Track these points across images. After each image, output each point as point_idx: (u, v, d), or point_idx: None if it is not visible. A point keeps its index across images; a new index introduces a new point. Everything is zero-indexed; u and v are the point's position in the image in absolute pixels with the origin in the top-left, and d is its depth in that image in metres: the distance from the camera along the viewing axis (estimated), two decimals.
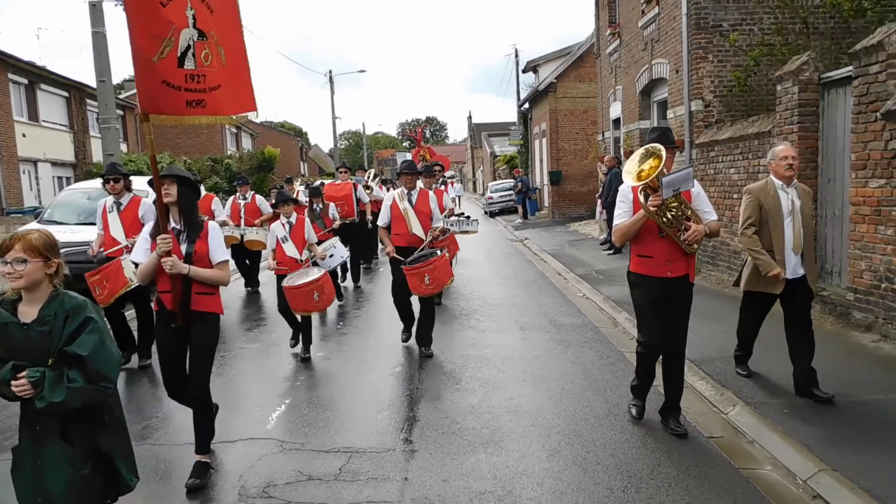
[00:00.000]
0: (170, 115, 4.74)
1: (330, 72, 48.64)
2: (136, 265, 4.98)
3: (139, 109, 4.72)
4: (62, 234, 11.45)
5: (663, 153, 4.82)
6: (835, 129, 8.32)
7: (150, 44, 4.52)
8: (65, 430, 3.04)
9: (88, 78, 49.30)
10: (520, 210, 29.41)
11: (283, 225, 8.16)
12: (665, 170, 4.85)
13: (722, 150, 11.12)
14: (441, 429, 5.69)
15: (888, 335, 7.10)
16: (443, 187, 12.65)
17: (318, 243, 9.69)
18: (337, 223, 11.42)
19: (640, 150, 5.02)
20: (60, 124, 27.67)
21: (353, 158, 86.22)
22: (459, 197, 44.58)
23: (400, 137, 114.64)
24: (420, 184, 8.71)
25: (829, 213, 8.52)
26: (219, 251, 4.87)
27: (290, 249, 8.07)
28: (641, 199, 4.99)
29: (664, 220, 4.96)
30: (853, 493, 4.14)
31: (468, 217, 12.09)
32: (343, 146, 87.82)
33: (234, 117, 5.04)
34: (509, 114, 40.14)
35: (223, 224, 11.23)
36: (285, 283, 7.65)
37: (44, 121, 26.30)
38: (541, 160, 31.23)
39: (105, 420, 3.17)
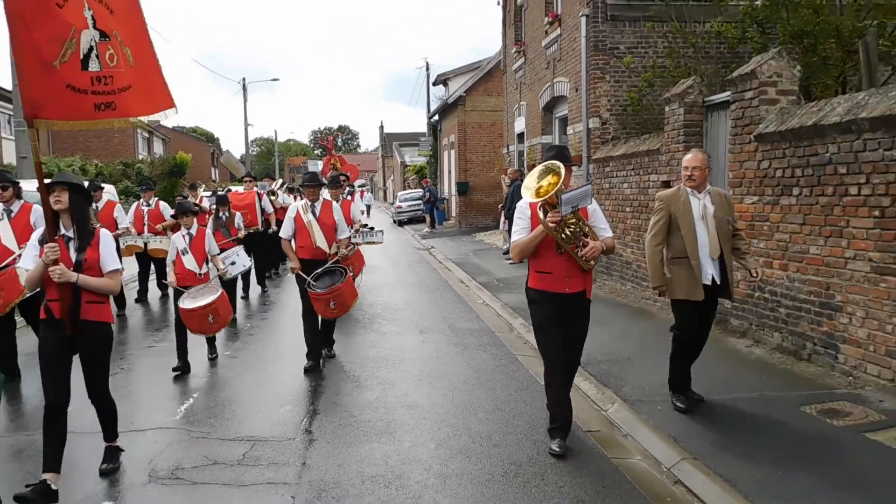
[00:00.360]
0: (78, 119, 4.66)
1: (244, 79, 48.35)
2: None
3: (27, 115, 4.55)
4: None
5: (562, 170, 4.87)
6: (717, 149, 8.92)
7: (49, 47, 4.41)
8: None
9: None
10: (427, 219, 29.79)
11: (184, 237, 7.93)
12: (563, 187, 4.89)
13: (616, 166, 11.70)
14: (339, 421, 5.94)
15: (760, 340, 7.68)
16: (350, 197, 12.53)
17: (221, 251, 9.53)
18: (242, 233, 11.16)
19: (540, 167, 5.06)
20: None
21: (264, 165, 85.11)
22: (369, 206, 44.82)
23: (312, 145, 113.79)
24: (326, 195, 8.61)
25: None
26: (110, 260, 4.79)
27: (190, 262, 7.82)
28: (540, 215, 4.98)
29: (563, 236, 4.98)
30: (709, 478, 4.56)
31: (372, 228, 12.50)
32: (255, 153, 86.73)
33: (146, 118, 5.05)
34: (420, 124, 40.68)
35: (126, 232, 11.05)
36: (181, 303, 7.47)
37: None
38: (449, 171, 31.73)
39: None
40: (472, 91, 28.48)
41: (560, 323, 5.18)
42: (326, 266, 7.70)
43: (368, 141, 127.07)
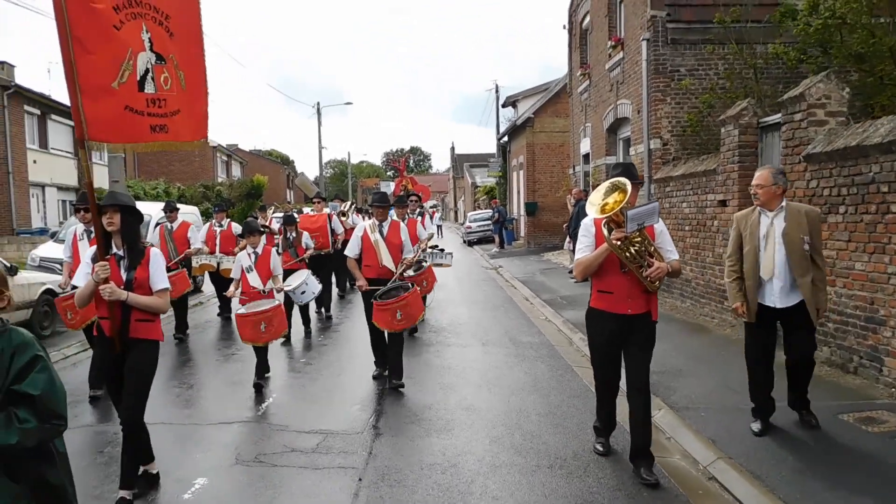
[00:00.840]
0: (135, 142, 4.72)
1: (318, 104, 49.79)
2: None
3: (82, 135, 4.53)
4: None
5: (629, 187, 4.78)
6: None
7: (108, 70, 4.46)
8: (8, 467, 2.84)
9: None
10: (496, 239, 30.24)
11: (249, 255, 8.08)
12: (629, 204, 4.80)
13: (676, 186, 12.00)
14: (403, 419, 6.52)
15: None
16: (419, 218, 12.41)
17: (290, 272, 10.16)
18: (310, 252, 11.35)
19: (606, 184, 4.96)
20: (67, 151, 28.79)
21: (338, 187, 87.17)
22: (440, 227, 45.46)
23: (384, 167, 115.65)
24: (392, 215, 8.64)
25: None
26: (159, 278, 4.87)
27: (254, 280, 7.95)
28: (605, 232, 4.87)
29: (627, 254, 4.84)
30: (740, 475, 4.91)
31: (442, 250, 12.75)
32: (328, 174, 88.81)
33: (191, 143, 5.05)
34: (491, 145, 41.32)
35: (197, 252, 11.48)
36: (238, 310, 7.71)
37: (52, 148, 27.68)
38: (518, 191, 32.19)
39: (53, 453, 3.01)
40: (541, 112, 28.97)
41: (618, 345, 5.12)
42: (392, 283, 7.68)
43: (440, 162, 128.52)
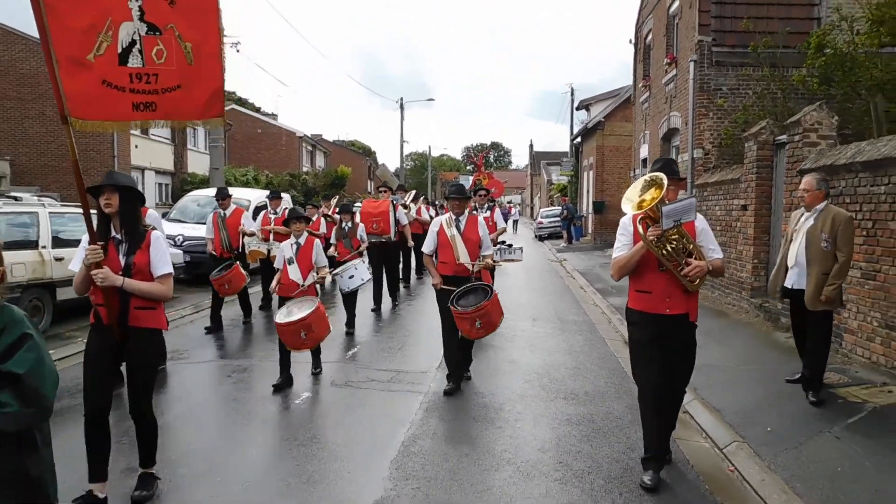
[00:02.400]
0: (115, 119, 4.41)
1: (401, 99, 51.84)
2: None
3: (63, 112, 4.23)
4: (185, 229, 14.84)
5: (665, 182, 4.66)
6: (780, 180, 10.85)
7: (83, 39, 4.15)
8: None
9: None
10: (565, 235, 31.97)
11: (292, 245, 7.80)
12: (667, 200, 4.72)
13: (711, 191, 13.68)
14: None
15: None
16: (489, 213, 12.48)
17: (342, 264, 10.32)
18: (364, 245, 11.34)
19: (643, 179, 4.86)
20: (165, 138, 31.52)
21: (418, 179, 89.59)
22: (516, 222, 47.02)
23: (464, 161, 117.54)
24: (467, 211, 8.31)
25: (778, 241, 11.02)
26: (161, 263, 4.60)
27: (294, 272, 7.66)
28: (640, 229, 4.78)
29: (664, 252, 4.75)
30: (705, 408, 6.77)
31: (511, 245, 12.96)
32: (409, 167, 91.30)
33: (196, 122, 4.78)
34: (567, 143, 42.87)
35: (251, 235, 11.29)
36: (277, 317, 7.31)
37: (153, 135, 30.24)
38: (588, 190, 33.82)
39: (37, 441, 2.82)
40: (611, 117, 30.56)
41: (658, 347, 4.97)
42: (470, 284, 7.40)
43: (519, 158, 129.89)
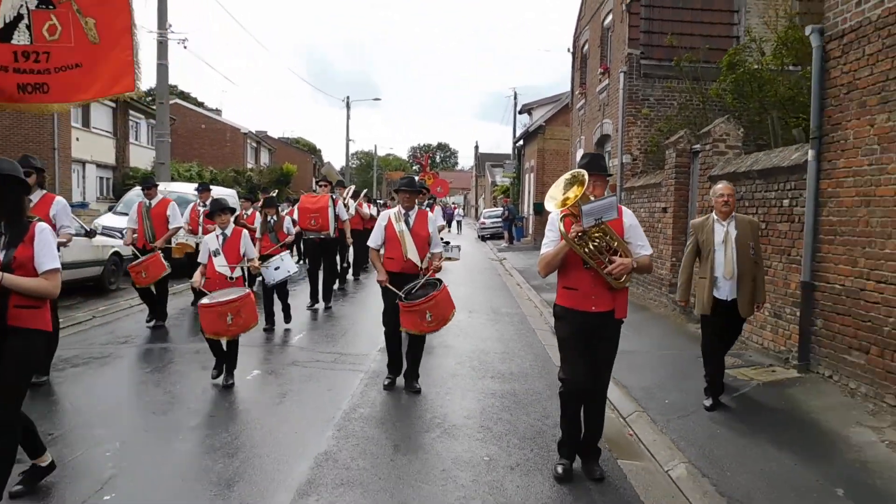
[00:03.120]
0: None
1: (347, 98, 52.42)
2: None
3: None
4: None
5: (586, 179, 4.62)
6: (695, 184, 11.88)
7: None
8: None
9: None
10: (506, 235, 32.96)
11: (217, 237, 7.51)
12: (593, 197, 4.76)
13: (638, 195, 14.71)
14: None
15: None
16: (427, 209, 13.03)
17: (268, 257, 10.05)
18: (291, 238, 11.15)
19: (567, 176, 4.81)
20: (106, 131, 31.44)
21: (363, 178, 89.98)
22: (459, 222, 47.75)
23: (410, 161, 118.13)
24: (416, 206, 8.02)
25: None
26: (46, 258, 4.21)
27: (221, 265, 7.38)
28: (561, 227, 4.77)
29: (586, 250, 4.75)
30: (616, 385, 7.64)
31: (447, 243, 13.29)
32: (354, 165, 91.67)
33: (102, 99, 4.29)
34: (510, 146, 44.00)
35: (177, 230, 10.87)
36: (202, 300, 7.02)
37: (94, 127, 30.11)
38: (529, 192, 34.90)
39: None
40: (552, 121, 31.69)
41: (584, 343, 5.00)
42: (420, 280, 7.19)
43: (466, 160, 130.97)
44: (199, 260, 7.66)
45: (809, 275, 7.58)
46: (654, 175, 14.01)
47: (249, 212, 12.60)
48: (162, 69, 19.61)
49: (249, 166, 45.44)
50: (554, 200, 4.70)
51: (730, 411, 6.64)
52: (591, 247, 4.78)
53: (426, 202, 13.74)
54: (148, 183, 11.01)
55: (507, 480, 5.07)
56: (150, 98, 32.37)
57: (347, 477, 5.03)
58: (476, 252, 28.51)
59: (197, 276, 7.43)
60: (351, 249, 15.27)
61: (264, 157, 54.79)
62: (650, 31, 15.70)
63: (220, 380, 7.34)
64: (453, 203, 72.71)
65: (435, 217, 11.15)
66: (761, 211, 8.88)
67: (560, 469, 5.12)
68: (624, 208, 5.09)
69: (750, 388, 7.34)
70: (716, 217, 6.56)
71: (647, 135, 15.57)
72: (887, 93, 6.32)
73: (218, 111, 56.51)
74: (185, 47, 21.21)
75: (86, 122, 29.48)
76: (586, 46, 21.19)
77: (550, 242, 5.00)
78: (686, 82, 14.44)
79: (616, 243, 4.86)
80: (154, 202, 10.60)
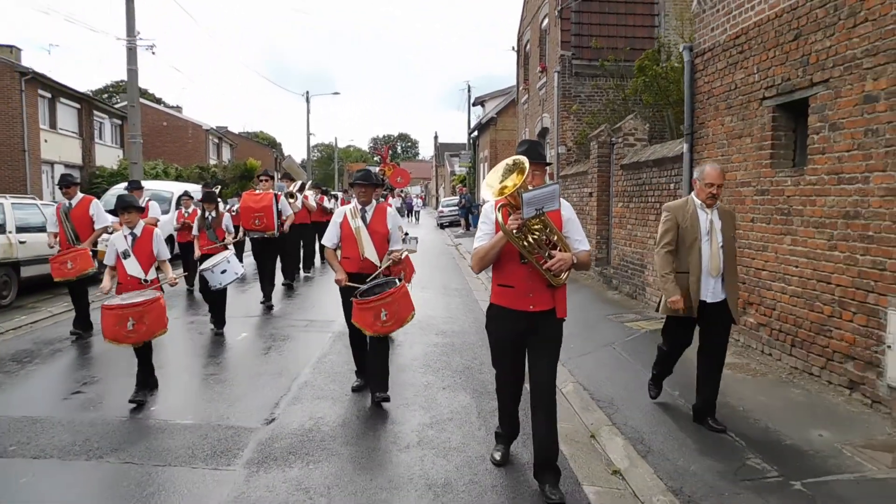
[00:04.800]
0: None
1: (307, 92, 53.64)
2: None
3: None
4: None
5: (527, 166, 4.28)
6: (612, 173, 13.77)
7: None
8: None
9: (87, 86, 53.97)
10: (462, 222, 34.74)
11: (126, 237, 6.86)
12: (531, 187, 4.42)
13: (571, 181, 16.59)
14: None
15: (620, 290, 12.54)
16: (391, 201, 12.37)
17: (208, 257, 9.77)
18: (230, 237, 10.59)
19: (505, 162, 4.45)
20: (72, 132, 32.16)
21: (325, 171, 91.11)
22: (418, 212, 49.23)
23: (371, 153, 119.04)
24: (374, 200, 7.34)
25: (612, 222, 13.98)
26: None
27: (133, 267, 6.78)
28: (499, 217, 4.39)
29: (525, 244, 4.41)
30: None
31: (407, 234, 13.97)
32: (315, 157, 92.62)
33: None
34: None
35: (104, 230, 9.76)
36: (106, 300, 6.42)
37: (60, 128, 30.86)
38: (484, 181, 36.65)
39: None
40: (503, 113, 33.55)
41: (521, 345, 4.73)
42: (374, 278, 6.69)
43: (426, 150, 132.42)
44: (105, 262, 7.01)
45: None
46: (583, 164, 15.89)
47: (191, 209, 12.50)
48: (132, 74, 20.97)
49: (213, 162, 45.87)
50: (491, 189, 4.36)
51: (619, 350, 8.50)
52: (531, 240, 4.42)
53: (382, 194, 14.55)
54: (65, 181, 9.72)
55: (439, 395, 6.89)
56: (105, 95, 33.10)
57: (322, 394, 6.84)
58: (434, 239, 30.27)
59: (106, 280, 6.85)
60: (302, 245, 15.49)
61: (226, 153, 54.76)
62: (580, 35, 17.57)
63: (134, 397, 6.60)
64: (416, 194, 74.27)
65: (394, 212, 10.35)
66: (657, 194, 10.77)
67: (497, 455, 5.16)
68: (564, 201, 4.72)
69: (640, 334, 9.23)
70: (698, 203, 5.61)
71: (579, 128, 17.44)
72: (731, 100, 8.20)
73: (178, 108, 57.14)
74: (153, 53, 22.55)
75: (52, 124, 30.22)
76: (528, 46, 23.02)
77: (485, 235, 4.62)
78: (611, 81, 16.35)
79: (556, 237, 4.53)
80: (74, 202, 9.61)
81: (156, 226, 10.04)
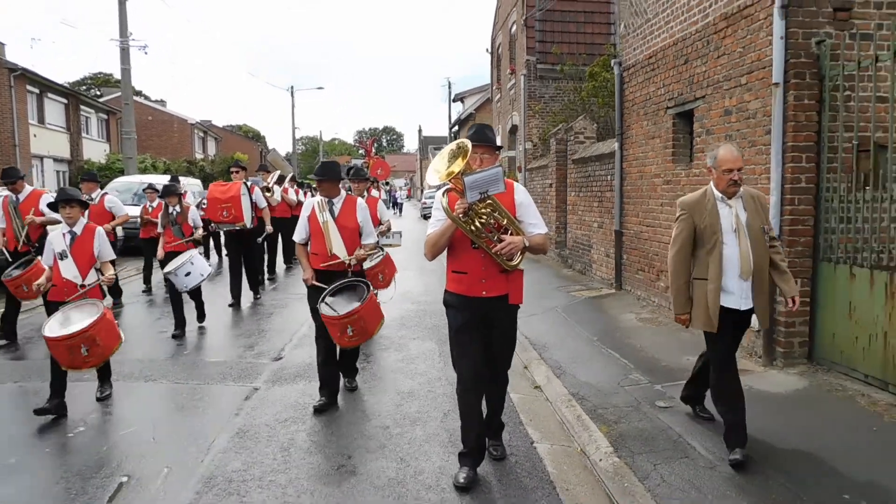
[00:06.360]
0: None
1: (292, 87, 55.05)
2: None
3: None
4: None
5: (469, 148, 4.22)
6: (566, 166, 15.66)
7: None
8: None
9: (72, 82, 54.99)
10: None
11: (64, 235, 6.27)
12: (476, 169, 4.32)
13: (534, 174, 18.50)
14: None
15: (573, 267, 14.46)
16: (375, 194, 12.26)
17: (175, 255, 8.99)
18: (198, 233, 9.63)
19: (451, 146, 4.37)
20: (60, 126, 32.71)
21: (309, 164, 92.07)
22: (401, 205, 50.67)
23: (356, 146, 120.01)
24: (343, 192, 6.72)
25: (567, 209, 15.88)
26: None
27: (69, 269, 6.20)
28: (444, 202, 4.39)
29: (472, 228, 4.36)
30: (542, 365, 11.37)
31: (389, 228, 12.34)
32: (300, 150, 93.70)
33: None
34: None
35: (54, 223, 8.55)
36: (45, 329, 5.72)
37: (49, 124, 31.36)
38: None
39: None
40: (481, 109, 35.30)
41: (478, 332, 4.64)
42: (347, 280, 6.31)
43: (411, 143, 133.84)
44: (43, 264, 6.50)
45: (619, 225, 11.36)
46: (545, 159, 17.78)
47: (155, 203, 11.71)
48: (125, 73, 22.61)
49: (199, 156, 46.28)
50: (438, 173, 4.25)
51: (561, 312, 10.39)
52: (478, 224, 4.38)
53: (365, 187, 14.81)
54: (10, 174, 8.96)
55: (410, 343, 8.81)
56: (84, 87, 33.58)
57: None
58: (417, 228, 31.94)
59: (42, 281, 6.26)
60: (280, 239, 15.11)
61: (211, 147, 55.12)
62: (544, 41, 19.45)
63: (97, 393, 6.57)
64: (399, 186, 75.86)
65: (380, 210, 10.16)
66: (599, 185, 12.67)
67: (462, 478, 4.63)
68: (518, 186, 4.73)
69: (580, 300, 11.15)
70: (718, 195, 4.85)
71: (543, 126, 19.33)
72: (647, 108, 10.10)
73: (163, 102, 57.72)
74: (145, 53, 24.22)
75: (41, 119, 30.77)
76: (500, 48, 24.88)
77: (437, 222, 4.56)
78: (570, 83, 18.25)
79: (505, 220, 4.48)
80: (23, 196, 8.95)
81: (126, 222, 10.79)
